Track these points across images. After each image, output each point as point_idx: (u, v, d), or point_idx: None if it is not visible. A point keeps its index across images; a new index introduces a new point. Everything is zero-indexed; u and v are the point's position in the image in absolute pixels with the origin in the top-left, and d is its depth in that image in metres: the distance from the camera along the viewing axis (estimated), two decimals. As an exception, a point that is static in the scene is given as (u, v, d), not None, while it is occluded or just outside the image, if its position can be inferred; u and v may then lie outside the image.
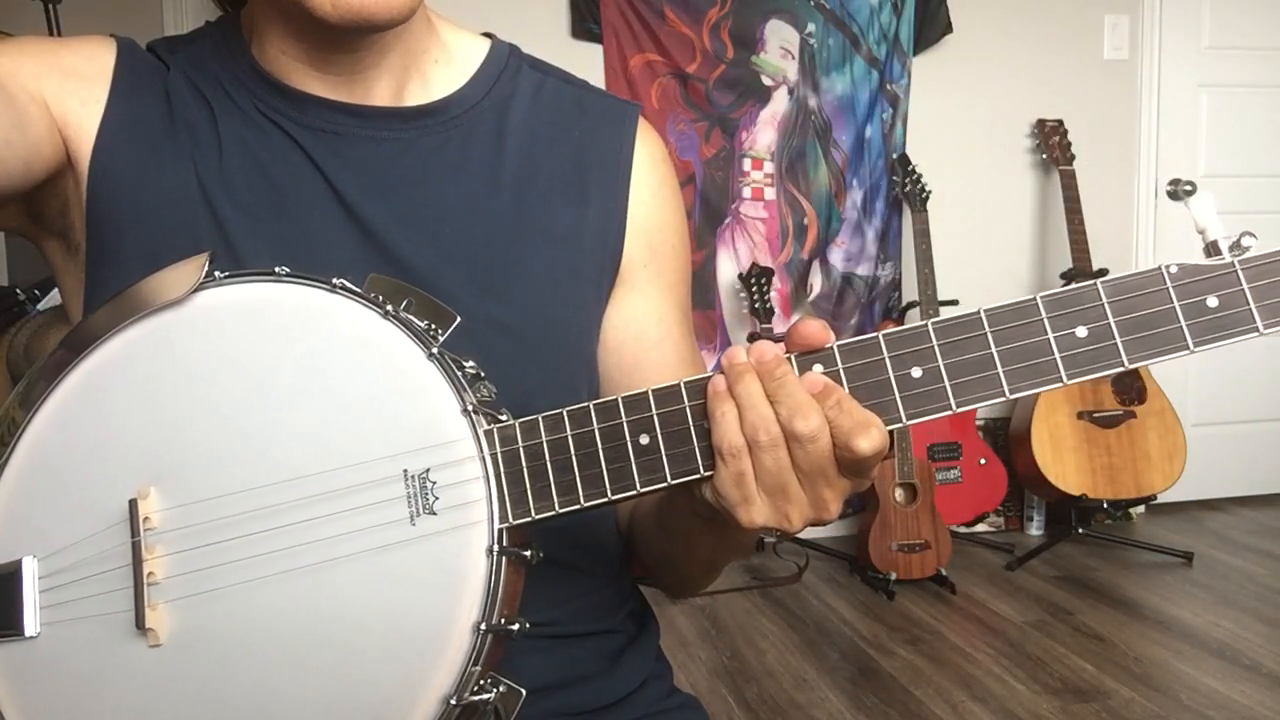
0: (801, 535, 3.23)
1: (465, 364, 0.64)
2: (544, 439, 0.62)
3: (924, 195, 3.26)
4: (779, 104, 3.38)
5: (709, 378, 0.60)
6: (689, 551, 0.76)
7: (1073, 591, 2.96)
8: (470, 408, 0.62)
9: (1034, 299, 0.58)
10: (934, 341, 0.58)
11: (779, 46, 3.36)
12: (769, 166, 3.40)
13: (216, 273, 0.66)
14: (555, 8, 3.26)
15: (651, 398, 0.61)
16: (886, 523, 3.00)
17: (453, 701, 0.59)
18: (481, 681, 0.61)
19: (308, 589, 0.63)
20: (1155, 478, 3.20)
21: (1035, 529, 3.49)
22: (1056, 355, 0.57)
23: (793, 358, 0.59)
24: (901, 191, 3.34)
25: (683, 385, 0.61)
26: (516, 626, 0.62)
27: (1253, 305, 0.56)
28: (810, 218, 3.43)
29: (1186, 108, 3.61)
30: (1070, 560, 3.22)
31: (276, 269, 0.66)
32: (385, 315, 0.64)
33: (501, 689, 0.61)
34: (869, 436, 0.56)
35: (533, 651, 0.77)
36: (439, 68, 0.81)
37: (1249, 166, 3.66)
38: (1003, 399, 0.57)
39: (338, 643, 0.62)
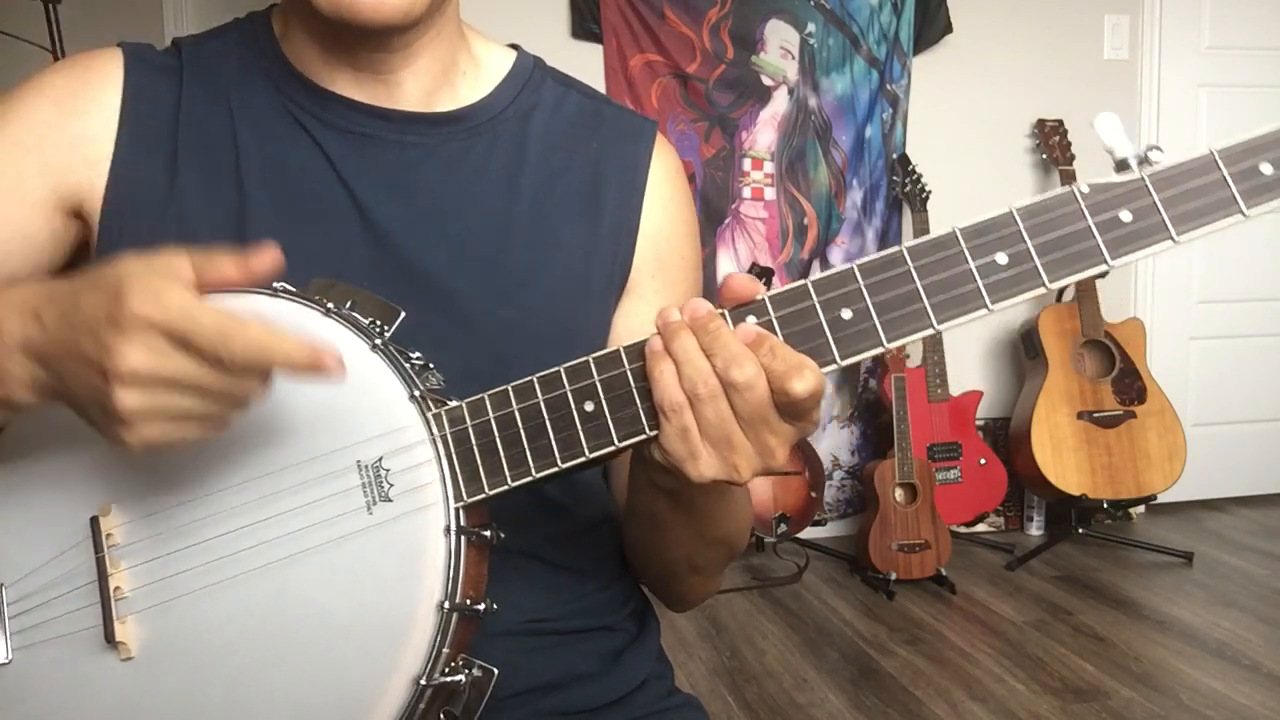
0: (801, 535, 3.24)
1: (412, 355, 0.66)
2: (491, 416, 0.63)
3: (924, 195, 3.26)
4: (779, 104, 3.38)
5: (647, 340, 0.61)
6: (664, 538, 0.76)
7: (1073, 591, 2.96)
8: (418, 394, 0.63)
9: (952, 230, 0.59)
10: (860, 282, 0.59)
11: (779, 46, 3.36)
12: (769, 166, 3.40)
13: None
14: (555, 8, 3.26)
15: (593, 365, 0.62)
16: (886, 523, 3.00)
17: (423, 682, 0.60)
18: (453, 663, 0.61)
19: (272, 587, 0.64)
20: (1155, 478, 3.20)
21: (1035, 529, 3.49)
22: (979, 283, 0.58)
23: (726, 312, 0.60)
24: (901, 191, 3.34)
25: (622, 350, 0.62)
26: (482, 607, 0.63)
27: (1164, 215, 0.58)
28: (810, 218, 3.43)
29: (1186, 108, 3.61)
30: (1070, 560, 3.22)
31: None
32: (326, 313, 0.65)
33: (475, 671, 0.62)
34: (803, 378, 0.57)
35: (534, 650, 0.77)
36: (467, 77, 0.83)
37: (1249, 166, 3.65)
38: (932, 330, 0.59)
39: (305, 637, 0.62)
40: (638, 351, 0.61)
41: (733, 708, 2.31)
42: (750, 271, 3.20)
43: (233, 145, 0.77)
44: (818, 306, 0.60)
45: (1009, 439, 3.36)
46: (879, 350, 0.59)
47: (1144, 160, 0.58)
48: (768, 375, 0.58)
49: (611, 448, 0.61)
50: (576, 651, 0.80)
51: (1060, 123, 3.42)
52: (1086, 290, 3.26)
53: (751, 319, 0.60)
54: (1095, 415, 3.20)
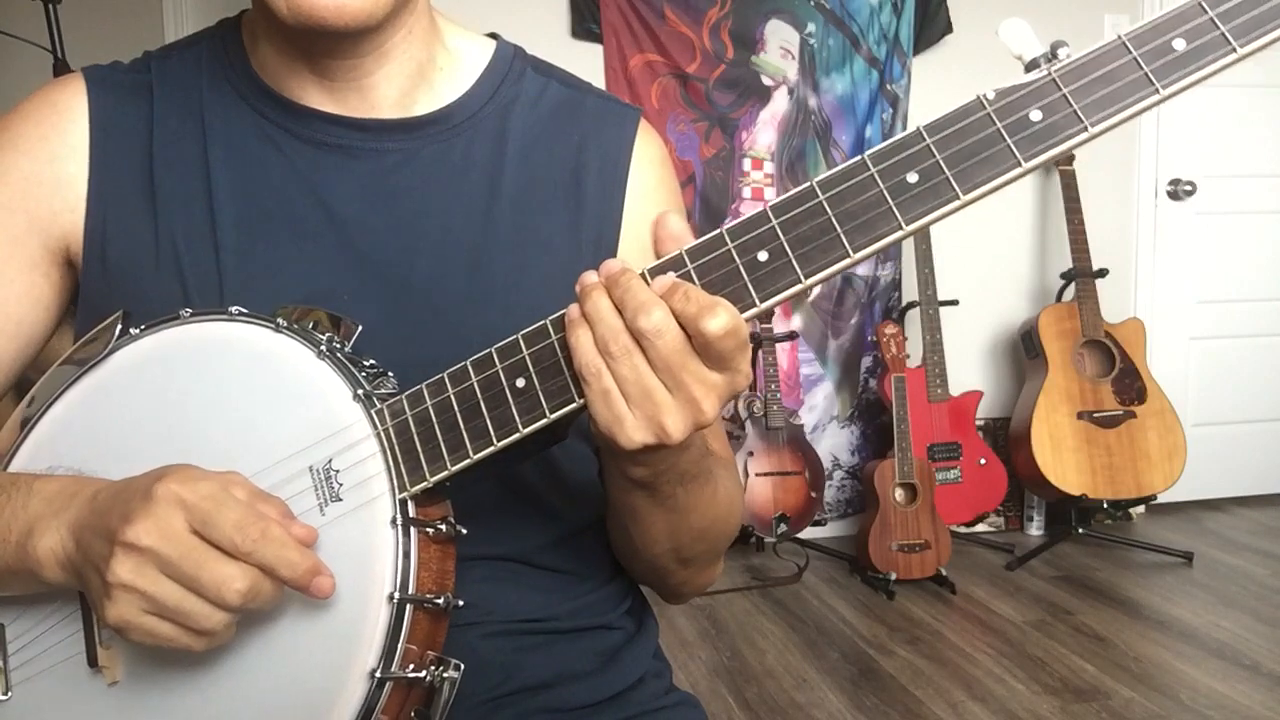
0: (801, 535, 3.24)
1: (365, 362, 0.67)
2: (429, 404, 0.63)
3: (924, 195, 3.26)
4: (779, 104, 3.38)
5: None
6: (645, 533, 0.75)
7: (1073, 591, 2.96)
8: (361, 393, 0.64)
9: (861, 158, 0.59)
10: (774, 221, 0.59)
11: (779, 46, 3.36)
12: (769, 166, 3.40)
13: (132, 329, 0.70)
14: (555, 8, 3.26)
15: (522, 341, 0.62)
16: (886, 523, 3.00)
17: (378, 675, 0.60)
18: (417, 660, 0.62)
19: None
20: (1155, 478, 3.20)
21: (1035, 529, 3.49)
22: (892, 205, 0.58)
23: (646, 272, 0.60)
24: (901, 191, 3.34)
25: (549, 322, 0.62)
26: (443, 601, 0.63)
27: (1075, 107, 0.56)
28: (810, 218, 3.43)
29: (1186, 108, 3.61)
30: (1070, 560, 3.22)
31: (181, 312, 0.69)
32: (278, 329, 0.66)
33: (449, 671, 0.63)
34: (716, 315, 0.56)
35: (529, 649, 0.78)
36: (444, 73, 0.81)
37: (1249, 166, 3.66)
38: (849, 260, 0.58)
39: (269, 639, 0.63)
40: (563, 321, 0.61)
41: (732, 707, 2.31)
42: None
43: (204, 164, 0.76)
44: (733, 251, 0.59)
45: (1009, 439, 3.36)
46: (798, 287, 0.58)
47: (1051, 57, 0.57)
48: (681, 320, 0.57)
49: (544, 420, 0.61)
50: (573, 650, 0.80)
51: (1060, 123, 3.42)
52: (1086, 290, 3.26)
53: (671, 274, 0.60)
54: (1095, 415, 3.20)
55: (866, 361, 3.47)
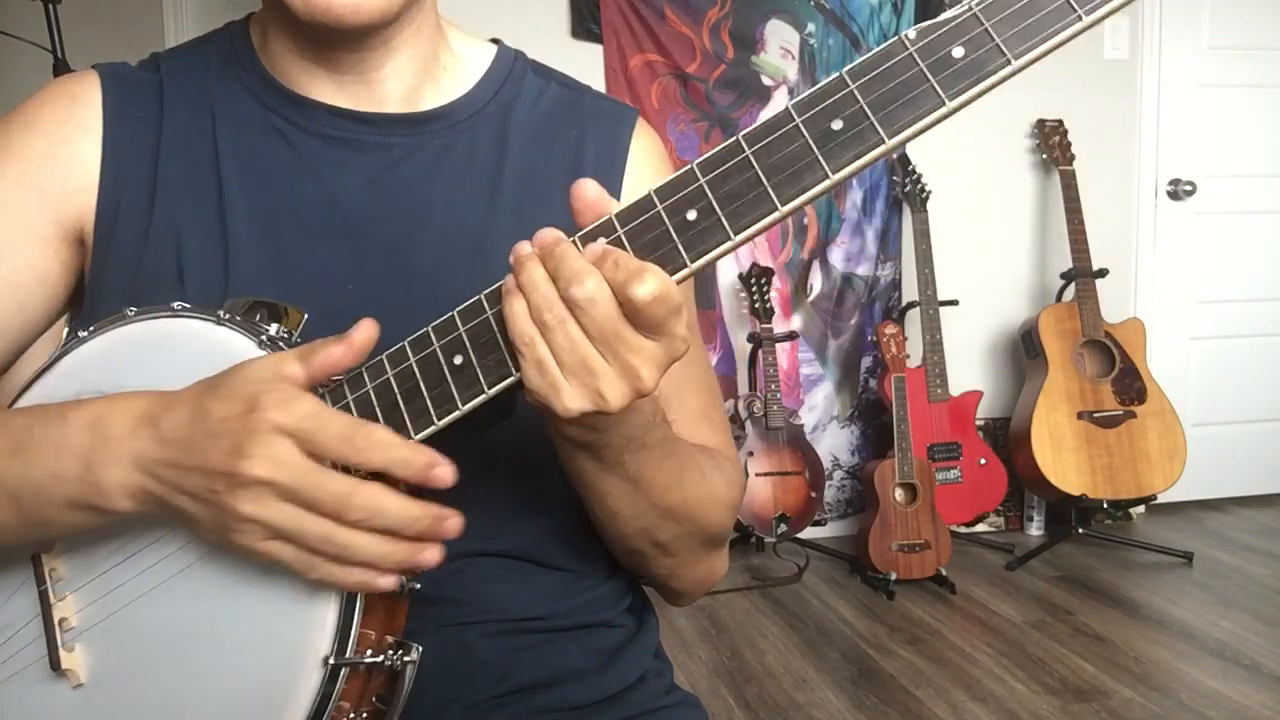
0: (801, 535, 3.24)
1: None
2: (369, 386, 0.63)
3: (924, 195, 3.26)
4: (779, 104, 3.37)
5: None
6: (610, 510, 0.74)
7: (1073, 591, 2.97)
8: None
9: (786, 108, 0.57)
10: (701, 179, 0.58)
11: (779, 46, 3.37)
12: (769, 167, 3.40)
13: (80, 332, 0.70)
14: (555, 8, 3.26)
15: (457, 317, 0.62)
16: (886, 523, 3.00)
17: (332, 661, 0.60)
18: (375, 645, 0.62)
19: (190, 589, 0.65)
20: (1155, 478, 3.20)
21: (1035, 529, 3.49)
22: (817, 154, 0.56)
23: (576, 239, 0.59)
24: (901, 191, 3.34)
25: (483, 296, 0.61)
26: (397, 583, 0.62)
27: (998, 40, 0.55)
28: (810, 218, 3.44)
29: (1186, 108, 3.61)
30: (1070, 560, 3.22)
31: (127, 311, 0.69)
32: (219, 322, 0.66)
33: (403, 654, 0.63)
34: (644, 282, 0.56)
35: (529, 648, 0.78)
36: (449, 72, 0.83)
37: (1249, 166, 3.66)
38: (778, 213, 0.57)
39: (225, 633, 0.63)
40: (498, 295, 0.61)
41: (733, 707, 2.31)
42: (750, 271, 3.20)
43: (214, 156, 0.78)
44: (662, 213, 0.58)
45: (1009, 439, 3.36)
46: (728, 244, 0.57)
47: None
48: (612, 287, 0.57)
49: (483, 396, 0.61)
50: (573, 648, 0.80)
51: (1060, 123, 3.42)
52: (1086, 290, 3.26)
53: (602, 240, 0.59)
54: (1095, 415, 3.20)
55: (866, 361, 3.47)
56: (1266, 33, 3.64)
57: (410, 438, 0.62)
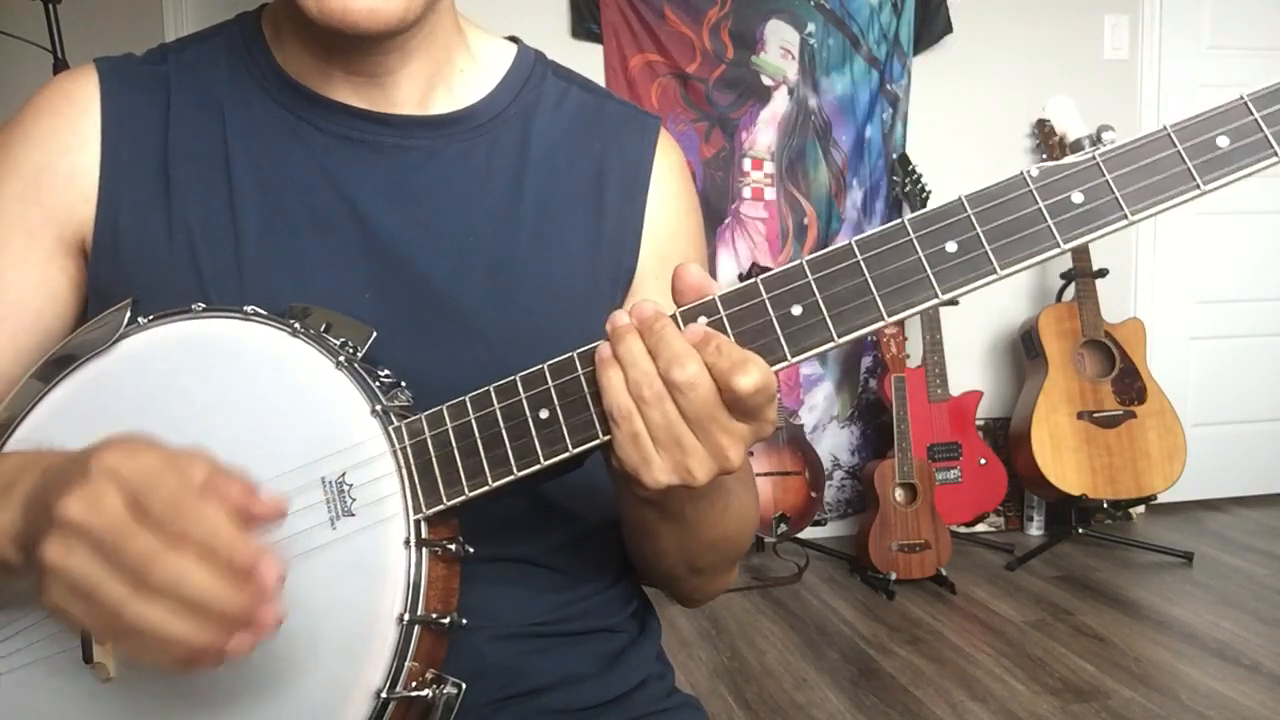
0: (801, 535, 3.24)
1: (380, 373, 0.66)
2: (449, 426, 0.63)
3: (924, 195, 3.26)
4: (779, 104, 3.38)
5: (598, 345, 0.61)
6: (658, 547, 0.76)
7: (1073, 591, 2.96)
8: (379, 409, 0.64)
9: (901, 221, 0.59)
10: (810, 277, 0.59)
11: (779, 46, 3.36)
12: (769, 166, 3.40)
13: (140, 319, 0.68)
14: (555, 8, 3.26)
15: (547, 372, 0.62)
16: (886, 523, 3.00)
17: (384, 695, 0.60)
18: (420, 678, 0.62)
19: None
20: (1155, 478, 3.20)
21: (1035, 529, 3.49)
22: (929, 272, 0.58)
23: (677, 314, 0.60)
24: (901, 191, 3.34)
25: (575, 356, 0.62)
26: (449, 621, 0.63)
27: (1117, 194, 0.57)
28: (810, 218, 3.43)
29: (1186, 108, 3.60)
30: (1070, 560, 3.22)
31: (194, 306, 0.68)
32: (294, 334, 0.66)
33: (447, 688, 0.62)
34: (747, 373, 0.56)
35: (533, 652, 0.77)
36: (465, 75, 0.81)
37: (1249, 166, 3.65)
38: (882, 323, 0.58)
39: (270, 651, 0.62)
40: (590, 356, 0.61)
41: (733, 708, 2.31)
42: (750, 271, 3.20)
43: (224, 155, 0.76)
44: (767, 303, 0.59)
45: (1009, 439, 3.36)
46: (830, 345, 0.59)
47: (1096, 140, 0.58)
48: (713, 373, 0.57)
49: (566, 454, 0.61)
50: (577, 653, 0.80)
51: (1060, 123, 3.42)
52: (1086, 290, 3.26)
53: (703, 319, 0.60)
54: (1095, 415, 3.20)
55: (866, 361, 3.47)
56: (1267, 33, 3.64)
57: (488, 484, 0.62)
